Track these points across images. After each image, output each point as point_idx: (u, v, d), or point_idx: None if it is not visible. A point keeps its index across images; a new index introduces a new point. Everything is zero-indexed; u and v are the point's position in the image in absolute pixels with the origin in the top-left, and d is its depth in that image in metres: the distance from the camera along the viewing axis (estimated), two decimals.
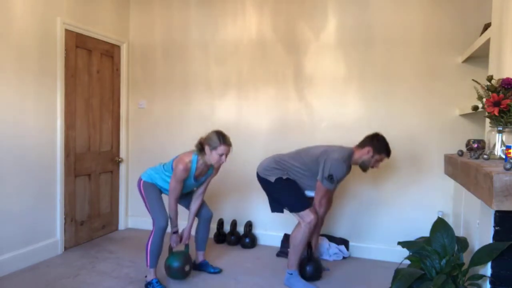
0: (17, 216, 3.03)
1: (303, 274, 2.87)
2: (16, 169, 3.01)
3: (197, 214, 3.00)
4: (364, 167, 2.84)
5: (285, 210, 2.95)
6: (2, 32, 2.87)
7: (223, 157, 2.65)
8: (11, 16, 2.94)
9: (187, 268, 2.82)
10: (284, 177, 2.81)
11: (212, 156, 2.64)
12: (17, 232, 3.04)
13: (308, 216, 2.75)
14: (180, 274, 2.84)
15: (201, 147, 2.71)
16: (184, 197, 2.97)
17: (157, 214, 2.74)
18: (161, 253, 2.80)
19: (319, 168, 2.74)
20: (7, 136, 2.94)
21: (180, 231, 2.93)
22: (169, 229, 2.82)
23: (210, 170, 2.89)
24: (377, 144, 2.77)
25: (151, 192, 2.80)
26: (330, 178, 2.69)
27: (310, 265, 2.91)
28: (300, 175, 2.82)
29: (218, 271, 3.05)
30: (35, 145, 3.17)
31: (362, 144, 2.82)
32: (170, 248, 2.83)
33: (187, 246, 2.91)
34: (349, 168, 2.82)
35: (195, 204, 2.96)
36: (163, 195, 2.91)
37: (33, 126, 3.15)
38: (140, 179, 2.88)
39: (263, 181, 2.89)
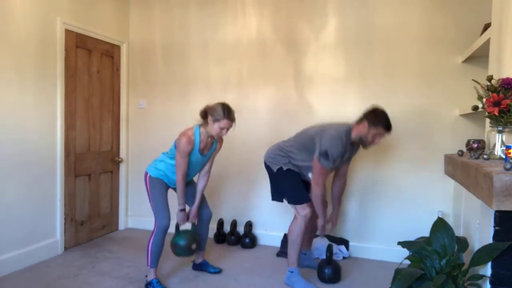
0: (17, 216, 3.03)
1: (323, 277, 2.89)
2: (16, 169, 3.01)
3: (198, 213, 2.96)
4: (363, 144, 2.68)
5: (283, 207, 2.94)
6: (2, 32, 2.87)
7: (224, 131, 2.63)
8: (11, 16, 2.94)
9: (193, 246, 2.76)
10: (285, 168, 2.80)
11: (213, 128, 2.63)
12: (17, 232, 3.04)
13: (304, 209, 2.74)
14: (187, 252, 2.77)
15: (204, 115, 2.69)
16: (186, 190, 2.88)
17: (160, 213, 2.71)
18: (162, 253, 2.80)
19: (315, 146, 2.66)
20: (7, 136, 2.94)
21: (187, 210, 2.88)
22: (172, 230, 2.82)
23: (214, 144, 2.83)
24: (373, 118, 2.58)
25: (157, 189, 2.74)
26: (325, 154, 2.58)
27: (329, 268, 2.89)
28: (299, 158, 2.77)
29: (218, 271, 3.05)
30: (35, 145, 3.17)
31: (359, 119, 2.66)
32: (177, 226, 2.76)
33: (193, 224, 2.88)
34: (349, 146, 2.69)
35: (201, 182, 2.91)
36: (170, 192, 2.87)
37: (33, 126, 3.15)
38: (146, 174, 2.79)
39: (267, 168, 2.91)
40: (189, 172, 2.79)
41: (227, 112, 2.61)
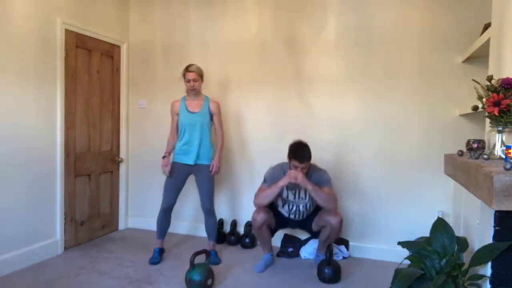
0: (17, 216, 3.03)
1: (323, 277, 2.91)
2: (16, 169, 3.01)
3: (201, 203, 3.31)
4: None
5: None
6: (2, 32, 2.87)
7: (191, 82, 3.15)
8: (11, 16, 2.94)
9: (209, 282, 2.69)
10: None
11: (185, 83, 3.20)
12: (17, 232, 3.04)
13: (255, 212, 3.06)
14: None
15: None
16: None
17: (164, 197, 3.23)
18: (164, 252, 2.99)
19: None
20: (7, 136, 2.94)
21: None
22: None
23: (204, 103, 3.25)
24: (288, 152, 2.96)
25: (171, 175, 3.21)
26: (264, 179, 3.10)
27: (329, 268, 2.90)
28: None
29: (218, 262, 3.23)
30: (35, 145, 3.17)
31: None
32: (192, 262, 2.67)
33: (208, 259, 2.80)
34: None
35: (217, 138, 3.33)
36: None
37: (33, 126, 3.15)
38: None
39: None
40: (189, 136, 3.19)
41: (186, 67, 3.18)
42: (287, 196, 3.08)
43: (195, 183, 3.36)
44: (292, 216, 3.13)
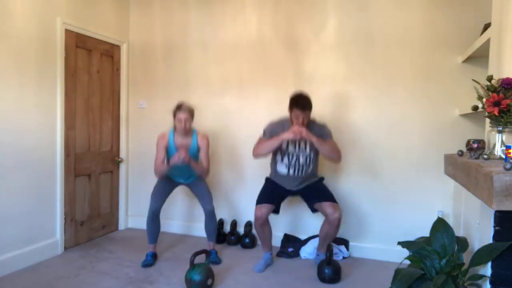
0: (17, 216, 3.03)
1: (323, 277, 2.91)
2: (16, 169, 3.01)
3: (202, 206, 3.33)
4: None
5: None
6: (2, 32, 2.87)
7: (183, 122, 3.10)
8: (11, 17, 2.94)
9: (209, 282, 2.71)
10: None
11: (176, 123, 3.13)
12: (17, 232, 3.04)
13: (256, 209, 3.06)
14: None
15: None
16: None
17: (152, 199, 3.23)
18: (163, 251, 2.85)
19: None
20: (7, 136, 2.94)
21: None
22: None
23: (193, 140, 3.20)
24: (289, 103, 2.96)
25: (159, 180, 3.28)
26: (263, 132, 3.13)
27: (329, 268, 2.90)
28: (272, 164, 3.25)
29: (218, 262, 3.23)
30: (35, 145, 3.17)
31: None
32: (192, 262, 2.68)
33: (208, 258, 2.81)
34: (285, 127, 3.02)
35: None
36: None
37: (33, 126, 3.15)
38: None
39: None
40: (178, 170, 3.19)
41: (178, 108, 3.12)
42: (287, 148, 3.06)
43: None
44: (291, 171, 3.05)
